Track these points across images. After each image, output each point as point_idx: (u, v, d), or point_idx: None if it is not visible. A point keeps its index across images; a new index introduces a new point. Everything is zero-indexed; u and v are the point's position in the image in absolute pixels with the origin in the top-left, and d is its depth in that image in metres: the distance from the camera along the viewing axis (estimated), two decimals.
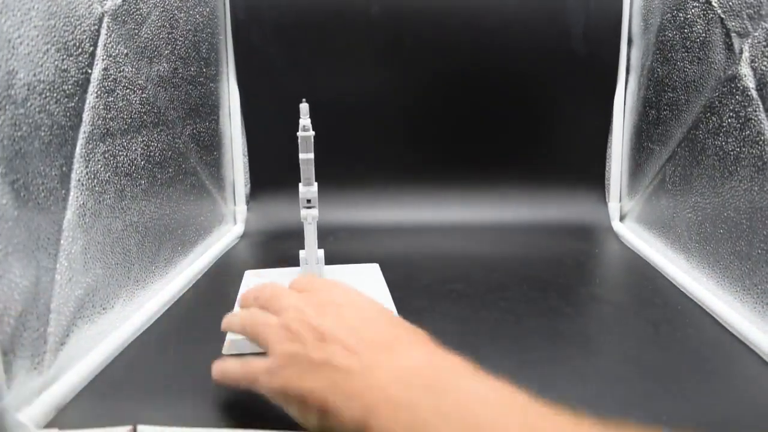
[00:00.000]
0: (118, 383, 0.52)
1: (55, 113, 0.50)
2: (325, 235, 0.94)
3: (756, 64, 0.63)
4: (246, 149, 1.02)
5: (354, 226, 0.97)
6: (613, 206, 1.02)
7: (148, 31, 0.70)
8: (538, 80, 0.99)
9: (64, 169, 0.51)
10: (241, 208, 1.03)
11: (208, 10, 0.89)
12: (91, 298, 0.56)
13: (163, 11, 0.73)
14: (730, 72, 0.67)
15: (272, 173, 1.03)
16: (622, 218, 1.02)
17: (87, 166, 0.55)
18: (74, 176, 0.53)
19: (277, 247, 0.92)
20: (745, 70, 0.65)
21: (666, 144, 0.85)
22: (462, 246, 0.90)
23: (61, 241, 0.51)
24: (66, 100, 0.52)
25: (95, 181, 0.57)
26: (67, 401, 0.49)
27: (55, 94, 0.50)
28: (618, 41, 0.98)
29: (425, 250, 0.88)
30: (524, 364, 0.54)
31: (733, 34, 0.67)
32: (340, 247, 0.90)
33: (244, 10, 0.98)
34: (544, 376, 0.51)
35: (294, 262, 0.84)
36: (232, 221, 1.02)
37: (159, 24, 0.72)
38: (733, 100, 0.67)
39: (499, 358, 0.55)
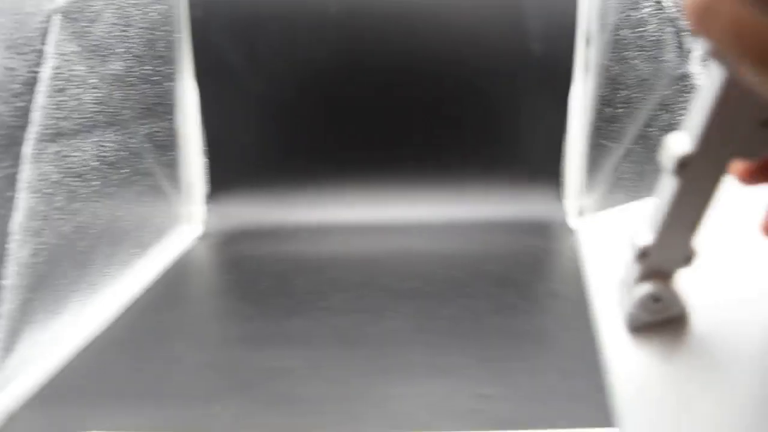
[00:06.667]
0: (70, 389, 0.51)
1: (2, 113, 0.49)
2: (287, 236, 0.94)
3: (706, 63, 0.64)
4: (205, 148, 1.01)
5: (314, 226, 0.97)
6: (571, 203, 1.03)
7: (101, 29, 0.68)
8: (496, 78, 1.00)
9: (11, 170, 0.50)
10: (199, 208, 1.01)
11: (164, 7, 0.88)
12: (41, 303, 0.54)
13: (116, 8, 0.72)
14: (681, 70, 0.69)
15: (233, 173, 1.02)
16: (580, 215, 1.03)
17: (36, 168, 0.54)
18: (22, 178, 0.52)
19: (238, 249, 0.91)
20: (695, 68, 0.66)
21: (621, 141, 0.86)
22: (421, 244, 0.91)
23: (10, 245, 0.49)
24: (14, 99, 0.50)
25: (45, 182, 0.55)
26: (17, 408, 0.47)
27: (2, 94, 0.49)
28: (574, 40, 0.99)
29: (385, 249, 0.88)
30: (483, 361, 0.54)
31: (684, 34, 0.69)
32: (301, 247, 0.89)
33: (201, 7, 0.97)
34: (502, 373, 0.52)
35: (254, 263, 0.84)
36: (191, 222, 1.00)
37: (112, 21, 0.71)
38: (684, 98, 0.69)
39: (457, 355, 0.55)
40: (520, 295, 0.70)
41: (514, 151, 1.03)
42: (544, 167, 1.04)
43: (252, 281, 0.76)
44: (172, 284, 0.77)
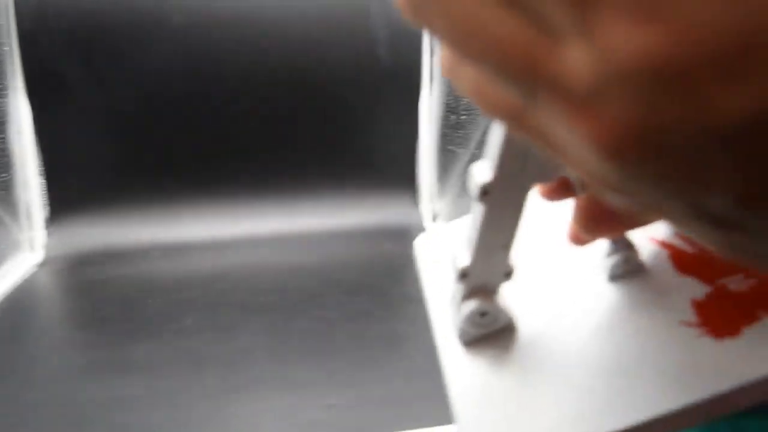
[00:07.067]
0: None
1: None
2: (136, 257, 0.89)
3: None
4: (42, 169, 0.95)
5: (164, 245, 0.93)
6: (425, 207, 1.06)
7: None
8: (348, 89, 1.01)
9: None
10: (38, 233, 0.94)
11: None
12: None
13: None
14: None
15: (75, 193, 0.96)
16: (434, 219, 1.07)
17: None
18: None
19: (82, 274, 0.86)
20: None
21: (466, 146, 0.90)
22: (278, 257, 0.90)
23: None
24: None
25: None
26: None
27: None
28: (421, 49, 1.03)
29: (240, 264, 0.86)
30: (332, 371, 0.54)
31: None
32: (151, 268, 0.85)
33: (31, 17, 0.91)
34: (351, 381, 0.52)
35: (100, 288, 0.79)
36: (30, 248, 0.93)
37: None
38: None
39: (308, 367, 0.55)
40: (375, 301, 0.71)
41: (370, 159, 1.05)
42: (399, 173, 1.07)
43: (97, 307, 0.72)
44: (7, 316, 0.71)
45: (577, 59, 0.11)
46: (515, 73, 0.12)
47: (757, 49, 0.10)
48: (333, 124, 1.02)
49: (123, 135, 0.96)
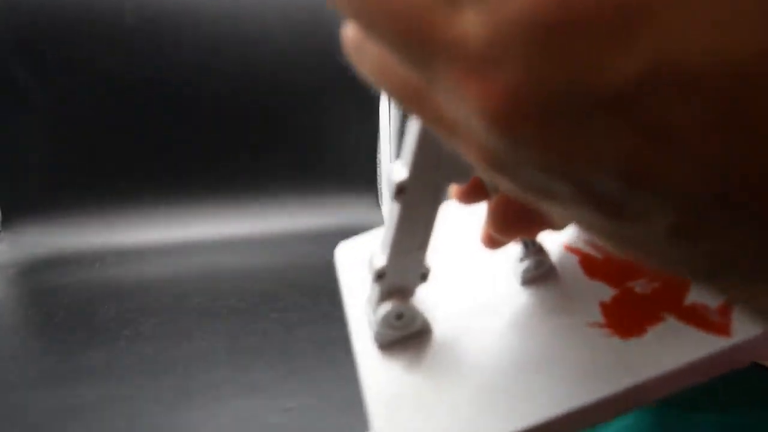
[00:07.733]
0: None
1: None
2: (92, 261, 0.88)
3: None
4: None
5: (121, 249, 0.91)
6: (386, 209, 1.07)
7: None
8: (307, 91, 1.01)
9: None
10: None
11: None
12: None
13: None
14: None
15: (28, 197, 0.94)
16: None
17: None
18: None
19: (35, 279, 0.84)
20: None
21: None
22: (237, 260, 0.89)
23: None
24: None
25: None
26: None
27: None
28: None
29: (196, 269, 0.85)
30: (291, 374, 0.54)
31: None
32: (108, 273, 0.84)
33: None
34: (310, 384, 0.52)
35: (54, 294, 0.77)
36: None
37: None
38: None
39: (266, 370, 0.55)
40: (334, 303, 0.71)
41: (330, 161, 1.05)
42: (359, 175, 1.07)
43: (50, 314, 0.71)
44: None
45: (471, 21, 0.11)
46: (414, 43, 0.12)
47: (644, 7, 0.09)
48: (292, 127, 1.02)
49: (76, 138, 0.94)
